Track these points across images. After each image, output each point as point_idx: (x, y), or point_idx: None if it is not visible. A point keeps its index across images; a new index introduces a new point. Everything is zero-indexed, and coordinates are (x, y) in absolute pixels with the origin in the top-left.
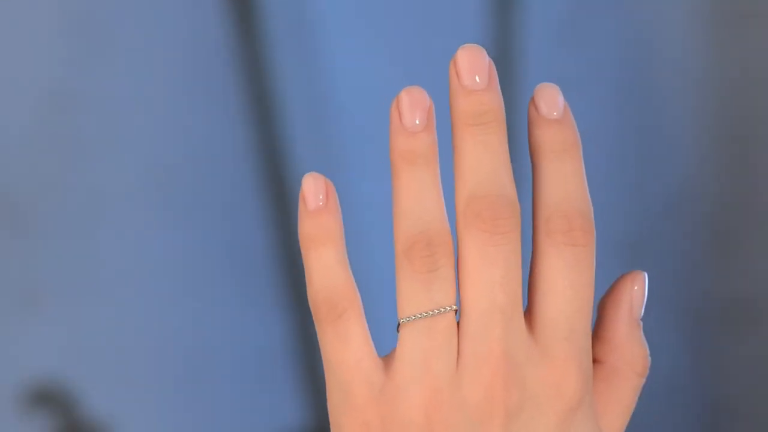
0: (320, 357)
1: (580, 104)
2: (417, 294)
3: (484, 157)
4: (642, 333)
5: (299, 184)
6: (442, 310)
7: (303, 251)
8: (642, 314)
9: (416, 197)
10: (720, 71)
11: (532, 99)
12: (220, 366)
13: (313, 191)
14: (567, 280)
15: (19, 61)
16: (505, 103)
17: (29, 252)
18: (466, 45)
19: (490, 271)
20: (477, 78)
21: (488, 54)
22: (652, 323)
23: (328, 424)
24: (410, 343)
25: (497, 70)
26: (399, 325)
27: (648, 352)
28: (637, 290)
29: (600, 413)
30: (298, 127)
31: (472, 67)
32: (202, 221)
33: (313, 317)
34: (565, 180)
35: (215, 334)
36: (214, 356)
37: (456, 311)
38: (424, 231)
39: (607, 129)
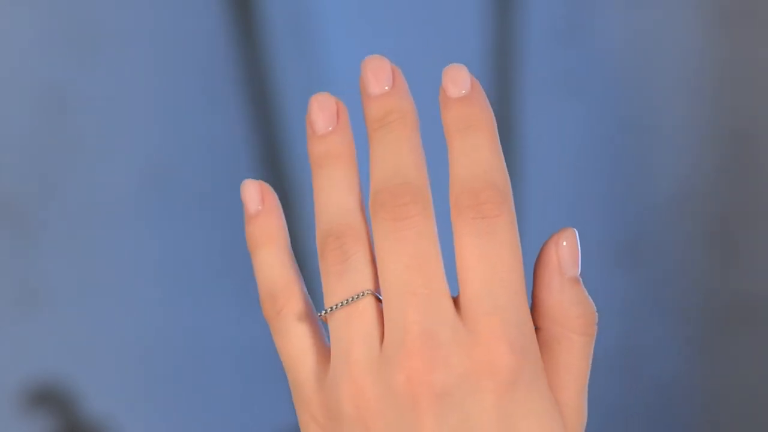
0: None
1: (579, 104)
2: (333, 285)
3: (387, 153)
4: (581, 290)
5: (298, 184)
6: (358, 295)
7: (250, 254)
8: (578, 271)
9: (326, 196)
10: (720, 71)
11: (442, 82)
12: (220, 366)
13: (253, 197)
14: (481, 255)
15: (18, 62)
16: (504, 102)
17: (29, 252)
18: (367, 57)
19: (399, 256)
20: (382, 85)
21: (484, 53)
22: (652, 323)
23: None
24: (335, 332)
25: (497, 69)
26: (324, 318)
27: (589, 309)
28: (564, 247)
29: (551, 381)
30: (298, 126)
31: (375, 75)
32: (201, 221)
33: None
34: (471, 155)
35: (215, 334)
36: (214, 356)
37: (376, 297)
38: (333, 226)
39: (606, 129)
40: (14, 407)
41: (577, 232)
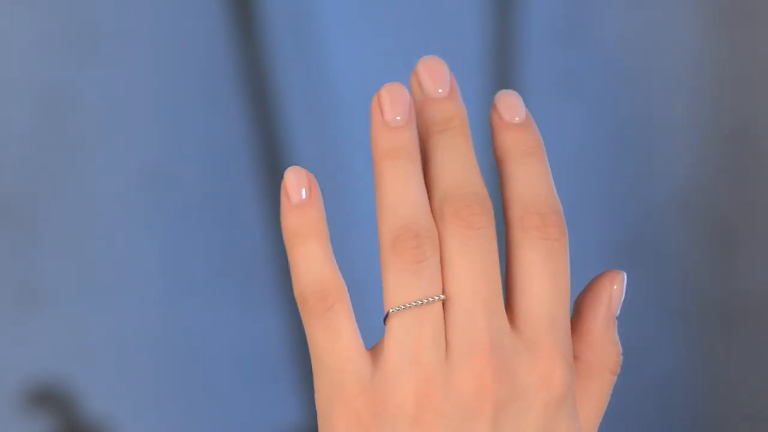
0: None
1: (579, 104)
2: (405, 284)
3: (454, 159)
4: (616, 332)
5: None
6: (431, 299)
7: (287, 246)
8: (617, 313)
9: (400, 191)
10: (720, 71)
11: (494, 106)
12: (220, 366)
13: (296, 185)
14: (545, 273)
15: (18, 62)
16: None
17: (29, 252)
18: (425, 57)
19: (471, 264)
20: (439, 88)
21: (484, 53)
22: (652, 323)
23: None
24: (399, 332)
25: (497, 69)
26: (387, 316)
27: (620, 350)
28: (616, 289)
29: (577, 409)
30: (298, 126)
31: (434, 77)
32: (201, 221)
33: (301, 311)
34: (534, 179)
35: (215, 334)
36: (214, 356)
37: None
38: (410, 224)
39: (606, 129)
40: (14, 407)
41: (625, 276)
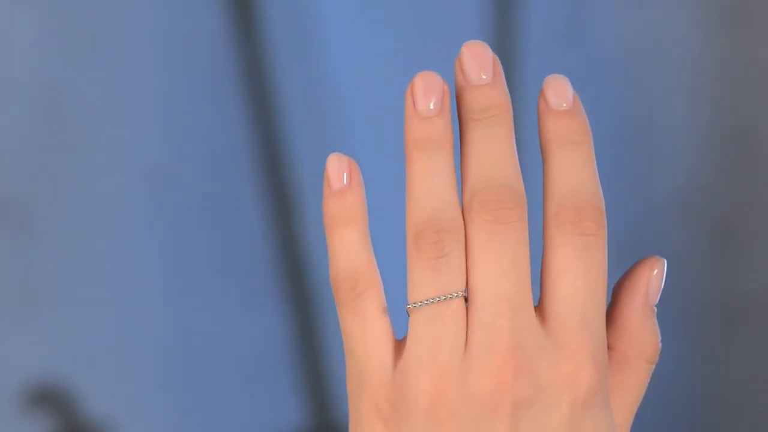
0: (319, 356)
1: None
2: (425, 280)
3: (489, 150)
4: (655, 320)
5: (298, 184)
6: (450, 296)
7: (326, 231)
8: (656, 301)
9: (427, 183)
10: (720, 71)
11: (542, 91)
12: (220, 366)
13: (337, 171)
14: (578, 270)
15: (18, 62)
16: None
17: (29, 252)
18: (469, 41)
19: (497, 260)
20: (482, 74)
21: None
22: None
23: (327, 422)
24: (419, 328)
25: None
26: (409, 310)
27: (658, 340)
28: (655, 276)
29: (612, 401)
30: (298, 126)
31: (477, 62)
32: (201, 221)
33: (334, 297)
34: (575, 171)
35: (215, 334)
36: (214, 356)
37: (465, 298)
38: (433, 217)
39: (606, 129)
40: (14, 407)
41: (665, 263)
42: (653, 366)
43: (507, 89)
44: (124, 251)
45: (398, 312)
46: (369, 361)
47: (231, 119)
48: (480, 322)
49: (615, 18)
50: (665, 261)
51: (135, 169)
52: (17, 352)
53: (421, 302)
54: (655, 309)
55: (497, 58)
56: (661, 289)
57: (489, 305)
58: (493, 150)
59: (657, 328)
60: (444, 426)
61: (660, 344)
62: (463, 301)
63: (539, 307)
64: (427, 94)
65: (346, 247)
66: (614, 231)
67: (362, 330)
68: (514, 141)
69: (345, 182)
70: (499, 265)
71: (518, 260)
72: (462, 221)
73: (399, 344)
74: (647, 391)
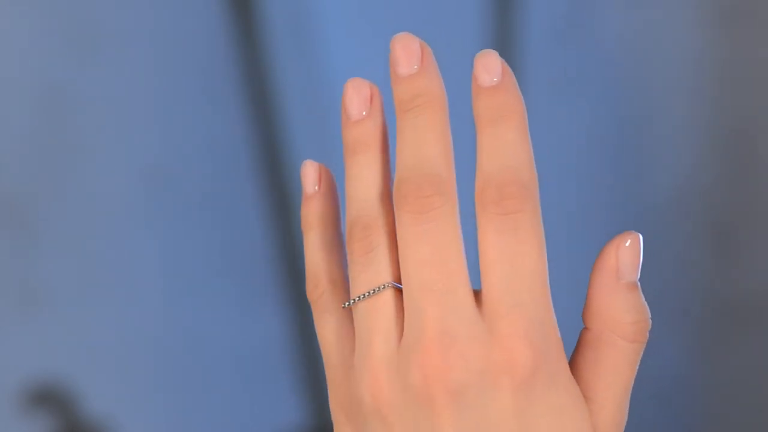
0: (319, 356)
1: (579, 103)
2: (358, 275)
3: (414, 138)
4: (638, 296)
5: (298, 184)
6: (378, 288)
7: (303, 234)
8: (637, 276)
9: (355, 185)
10: (720, 71)
11: (473, 68)
12: (220, 366)
13: (310, 178)
14: (503, 251)
15: (18, 62)
16: None
17: (29, 252)
18: (398, 34)
19: (418, 250)
20: (409, 65)
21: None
22: (652, 323)
23: (327, 422)
24: (358, 323)
25: None
26: (351, 308)
27: (643, 317)
28: (626, 249)
29: (589, 381)
30: (298, 126)
31: (405, 54)
32: (201, 221)
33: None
34: (500, 148)
35: (215, 334)
36: (214, 356)
37: (398, 290)
38: (359, 215)
39: (606, 129)
40: (14, 407)
41: (641, 237)
42: (639, 345)
43: (437, 75)
44: (124, 251)
45: None
46: (331, 358)
47: (231, 119)
48: (409, 313)
49: (615, 18)
50: (640, 235)
51: (135, 169)
52: (17, 352)
53: (357, 298)
54: (638, 285)
55: (427, 48)
56: (639, 264)
57: (415, 295)
58: (418, 138)
59: (640, 305)
60: (388, 419)
61: (648, 322)
62: (392, 292)
63: (479, 293)
64: (354, 98)
65: (311, 249)
66: (614, 231)
67: (325, 329)
68: (445, 126)
69: (316, 188)
70: (421, 254)
71: (443, 247)
72: (390, 215)
73: None
74: (647, 390)
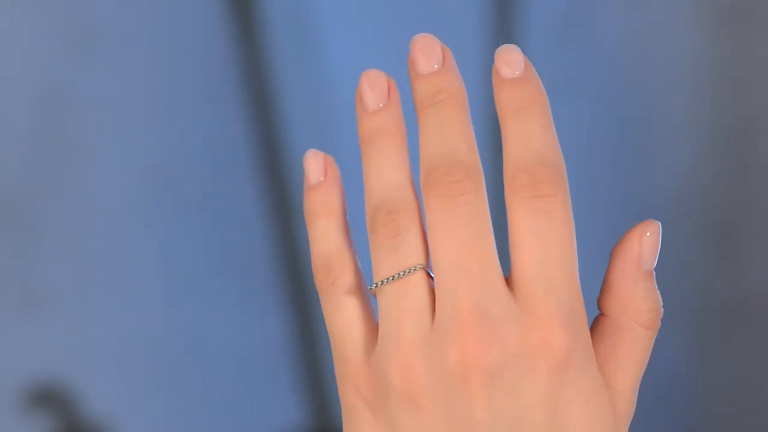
0: (319, 356)
1: (579, 103)
2: (384, 259)
3: (438, 132)
4: (653, 284)
5: (298, 184)
6: (410, 270)
7: (307, 224)
8: (654, 265)
9: (378, 172)
10: (720, 71)
11: (494, 63)
12: (220, 366)
13: (314, 168)
14: (536, 234)
15: (18, 62)
16: None
17: (29, 252)
18: (417, 35)
19: (452, 232)
20: (429, 63)
21: (484, 53)
22: None
23: (328, 423)
24: (385, 306)
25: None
26: (374, 292)
27: (657, 305)
28: (648, 238)
29: (608, 368)
30: (298, 126)
31: (424, 54)
32: (201, 221)
33: (316, 285)
34: (527, 135)
35: (215, 335)
36: (214, 356)
37: (429, 275)
38: (385, 200)
39: (606, 129)
40: (14, 407)
41: (660, 226)
42: (653, 332)
43: (458, 74)
44: (124, 251)
45: None
46: (345, 345)
47: (231, 119)
48: (442, 294)
49: (615, 18)
50: (660, 224)
51: (135, 169)
52: (17, 352)
53: (383, 281)
54: (654, 273)
55: (447, 48)
56: (657, 253)
57: (449, 277)
58: (442, 131)
59: (655, 293)
60: (419, 403)
61: (661, 309)
62: (424, 273)
63: (509, 276)
64: (371, 89)
65: (321, 237)
66: (614, 231)
67: (337, 314)
68: (468, 121)
69: (321, 177)
70: (454, 236)
71: (474, 230)
72: (415, 201)
73: (377, 327)
74: (646, 390)
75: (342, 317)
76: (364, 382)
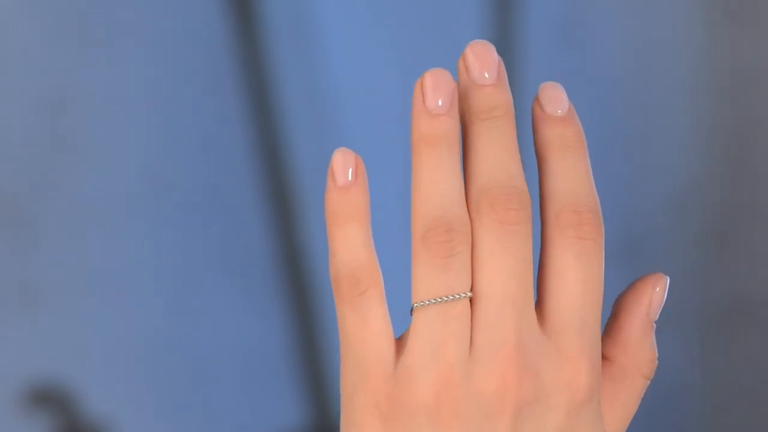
0: (319, 356)
1: (580, 104)
2: (433, 279)
3: (495, 150)
4: (653, 336)
5: (298, 184)
6: (458, 296)
7: (328, 226)
8: (656, 318)
9: (435, 181)
10: (720, 71)
11: (537, 98)
12: (220, 366)
13: (343, 166)
14: (578, 274)
15: (18, 62)
16: None
17: (29, 251)
18: (475, 41)
19: (504, 261)
20: (486, 73)
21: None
22: None
23: (328, 423)
24: (424, 327)
25: None
26: (412, 308)
27: (655, 356)
28: (657, 292)
29: (604, 412)
30: (298, 126)
31: (482, 62)
32: (201, 221)
33: (334, 293)
34: (572, 176)
35: (215, 335)
36: (214, 356)
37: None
38: (443, 216)
39: (607, 129)
40: (14, 407)
41: (668, 280)
42: (648, 382)
43: (509, 91)
44: (124, 251)
45: (394, 309)
46: (370, 358)
47: (231, 119)
48: (486, 323)
49: (615, 18)
50: (668, 279)
51: (134, 169)
52: (17, 352)
53: (427, 301)
54: (654, 326)
55: (501, 60)
56: (661, 308)
57: (496, 306)
58: (499, 150)
59: (655, 345)
60: (447, 425)
61: (656, 361)
62: (468, 302)
63: (538, 308)
64: (437, 91)
65: (349, 244)
66: (613, 231)
67: (364, 327)
68: (516, 143)
69: (350, 177)
70: (506, 266)
71: (523, 262)
72: (469, 221)
73: (398, 342)
74: (646, 391)
75: (370, 329)
76: (386, 397)
